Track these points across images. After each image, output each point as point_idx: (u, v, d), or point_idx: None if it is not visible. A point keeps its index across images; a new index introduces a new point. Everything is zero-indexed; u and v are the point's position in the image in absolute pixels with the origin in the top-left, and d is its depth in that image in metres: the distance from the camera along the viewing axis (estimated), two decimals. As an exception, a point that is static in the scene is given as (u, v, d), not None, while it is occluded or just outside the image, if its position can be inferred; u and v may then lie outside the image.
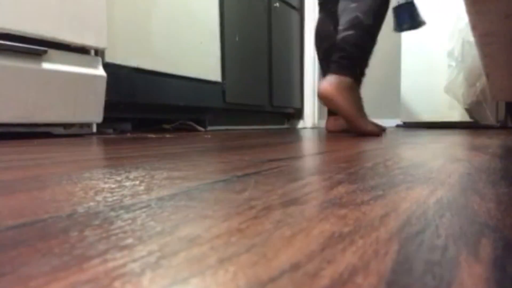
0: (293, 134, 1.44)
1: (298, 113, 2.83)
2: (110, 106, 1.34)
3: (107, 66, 1.34)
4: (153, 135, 1.29)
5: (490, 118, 1.97)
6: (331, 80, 1.12)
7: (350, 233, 0.18)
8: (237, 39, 2.07)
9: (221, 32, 1.95)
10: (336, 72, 1.13)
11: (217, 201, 0.25)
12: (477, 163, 0.45)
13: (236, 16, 2.07)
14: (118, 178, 0.35)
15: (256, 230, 0.18)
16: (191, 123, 1.89)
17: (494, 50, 0.66)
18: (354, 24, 1.26)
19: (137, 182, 0.33)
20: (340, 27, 1.31)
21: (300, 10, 2.74)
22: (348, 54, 1.18)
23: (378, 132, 1.20)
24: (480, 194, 0.27)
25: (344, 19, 1.30)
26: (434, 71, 2.12)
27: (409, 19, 1.54)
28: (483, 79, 1.63)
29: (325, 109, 1.73)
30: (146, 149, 0.75)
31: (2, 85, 1.04)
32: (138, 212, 0.22)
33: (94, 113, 1.30)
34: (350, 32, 1.25)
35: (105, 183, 0.32)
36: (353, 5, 1.30)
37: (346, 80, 1.12)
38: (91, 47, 1.28)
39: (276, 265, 0.14)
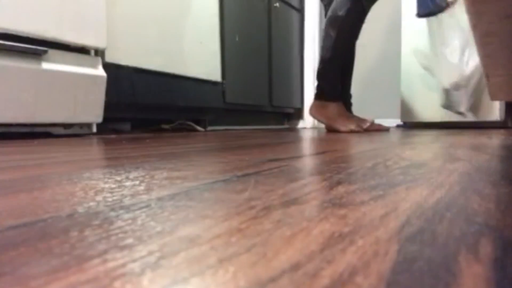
0: (293, 134, 1.44)
1: (298, 113, 2.83)
2: (110, 106, 1.34)
3: (107, 66, 1.34)
4: (152, 135, 1.29)
5: (465, 104, 1.97)
6: (312, 104, 1.79)
7: (350, 233, 0.18)
8: (237, 39, 2.07)
9: (221, 32, 1.95)
10: (314, 98, 1.78)
11: (217, 201, 0.25)
12: (477, 163, 0.45)
13: (236, 16, 2.07)
14: (118, 178, 0.35)
15: (256, 230, 0.18)
16: (190, 123, 1.89)
17: (494, 50, 0.66)
18: (321, 55, 1.76)
19: (137, 182, 0.33)
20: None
21: (301, 10, 2.74)
22: (319, 85, 1.75)
23: (358, 129, 1.66)
24: (480, 194, 0.27)
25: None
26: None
27: (431, 2, 1.66)
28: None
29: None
30: (146, 149, 0.75)
31: (2, 85, 1.04)
32: (138, 212, 0.22)
33: (94, 113, 1.29)
34: (319, 65, 1.75)
35: (105, 183, 0.32)
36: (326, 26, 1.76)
37: (321, 102, 1.73)
38: (91, 47, 1.28)
39: (276, 265, 0.14)
